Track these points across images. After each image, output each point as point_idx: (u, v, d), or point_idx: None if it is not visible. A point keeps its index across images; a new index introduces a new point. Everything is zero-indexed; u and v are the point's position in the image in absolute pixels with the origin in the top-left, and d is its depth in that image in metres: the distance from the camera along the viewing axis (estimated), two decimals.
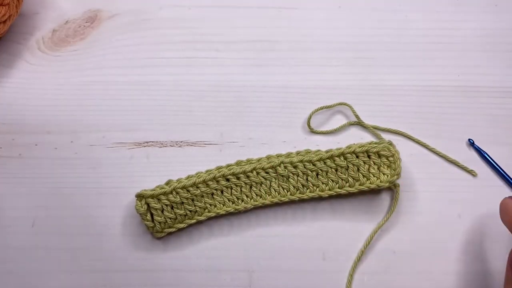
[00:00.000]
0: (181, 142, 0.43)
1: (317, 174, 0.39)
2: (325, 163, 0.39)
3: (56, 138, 0.43)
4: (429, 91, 0.45)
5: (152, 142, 0.43)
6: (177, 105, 0.45)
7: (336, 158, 0.38)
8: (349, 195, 0.40)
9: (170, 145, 0.43)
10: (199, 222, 0.39)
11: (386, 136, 0.43)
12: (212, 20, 0.49)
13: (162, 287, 0.38)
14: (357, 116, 0.43)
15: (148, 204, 0.38)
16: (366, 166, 0.38)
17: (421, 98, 0.45)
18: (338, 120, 0.44)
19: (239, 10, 0.50)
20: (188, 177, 0.40)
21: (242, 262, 0.38)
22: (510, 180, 0.41)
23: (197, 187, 0.38)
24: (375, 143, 0.40)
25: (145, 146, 0.43)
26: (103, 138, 0.43)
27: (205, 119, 0.44)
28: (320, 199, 0.40)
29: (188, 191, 0.38)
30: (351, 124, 0.44)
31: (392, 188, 0.40)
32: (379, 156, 0.38)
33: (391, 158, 0.38)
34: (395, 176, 0.38)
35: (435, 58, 0.47)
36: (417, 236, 0.39)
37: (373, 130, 0.42)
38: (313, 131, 0.43)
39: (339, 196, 0.40)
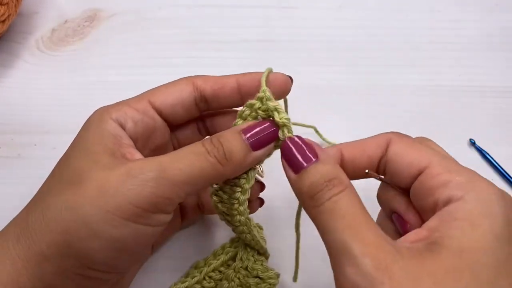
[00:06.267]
0: None
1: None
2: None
3: (56, 138, 0.43)
4: (429, 91, 0.45)
5: None
6: None
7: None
8: None
9: None
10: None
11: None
12: (212, 20, 0.49)
13: None
14: (316, 131, 0.42)
15: None
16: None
17: (421, 98, 0.45)
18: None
19: (239, 10, 0.50)
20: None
21: None
22: (511, 180, 0.41)
23: None
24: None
25: None
26: None
27: None
28: None
29: None
30: None
31: None
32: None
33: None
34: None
35: (435, 58, 0.47)
36: None
37: (328, 141, 0.41)
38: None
39: None
